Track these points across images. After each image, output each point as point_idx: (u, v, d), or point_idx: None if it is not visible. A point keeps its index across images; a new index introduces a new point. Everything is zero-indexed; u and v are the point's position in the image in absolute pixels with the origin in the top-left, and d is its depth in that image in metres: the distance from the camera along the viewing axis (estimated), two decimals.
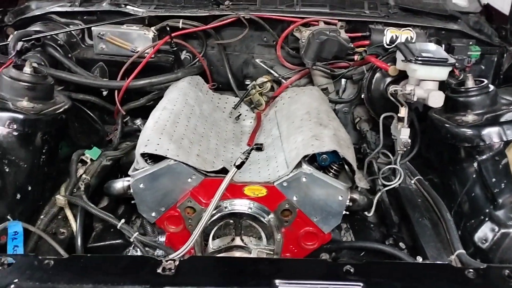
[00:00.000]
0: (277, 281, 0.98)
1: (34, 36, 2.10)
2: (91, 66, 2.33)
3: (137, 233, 1.70)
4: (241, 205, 1.68)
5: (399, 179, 1.98)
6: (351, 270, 1.03)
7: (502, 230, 1.55)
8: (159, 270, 1.03)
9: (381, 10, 2.46)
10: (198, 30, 2.32)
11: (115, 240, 1.84)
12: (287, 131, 1.95)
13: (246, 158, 1.62)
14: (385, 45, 2.28)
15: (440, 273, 1.10)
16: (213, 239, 1.72)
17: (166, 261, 1.07)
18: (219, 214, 1.67)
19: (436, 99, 1.78)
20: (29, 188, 1.66)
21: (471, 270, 1.05)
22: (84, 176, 1.95)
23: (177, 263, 1.06)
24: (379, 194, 1.98)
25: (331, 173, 1.72)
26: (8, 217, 1.55)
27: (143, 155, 1.66)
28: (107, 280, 1.00)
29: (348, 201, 1.69)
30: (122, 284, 0.98)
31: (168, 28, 2.24)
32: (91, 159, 2.05)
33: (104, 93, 2.29)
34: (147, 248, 1.74)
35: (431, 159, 2.05)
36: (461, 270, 1.06)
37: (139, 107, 2.37)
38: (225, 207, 1.68)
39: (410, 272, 1.11)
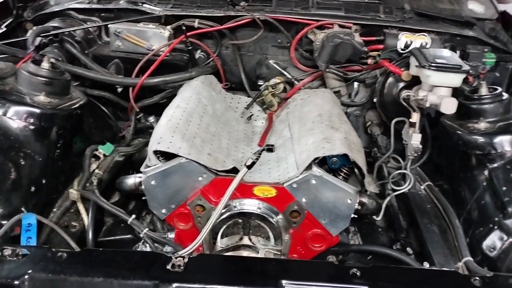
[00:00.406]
0: (283, 282, 1.00)
1: (52, 32, 2.14)
2: (107, 63, 2.36)
3: (146, 229, 1.73)
4: (250, 205, 1.70)
5: (408, 184, 1.98)
6: (358, 274, 1.04)
7: (511, 239, 1.55)
8: (169, 267, 1.05)
9: (396, 14, 2.45)
10: (213, 30, 2.34)
11: (125, 235, 1.87)
12: (298, 132, 1.96)
13: (257, 159, 1.64)
14: (399, 49, 2.28)
15: (446, 280, 1.10)
16: (222, 237, 1.74)
17: (176, 257, 1.09)
18: (228, 213, 1.69)
19: (449, 106, 1.78)
20: (43, 181, 1.70)
21: (477, 278, 1.05)
22: (97, 171, 1.98)
23: (186, 260, 1.08)
24: (388, 198, 1.99)
25: (341, 176, 1.73)
26: (22, 209, 1.58)
27: (155, 152, 1.69)
28: (117, 274, 1.02)
29: (357, 204, 1.70)
30: (132, 278, 1.01)
31: (184, 27, 2.26)
32: (104, 155, 2.09)
33: (119, 89, 2.32)
34: (156, 244, 1.77)
35: (441, 165, 2.05)
36: (468, 277, 1.07)
37: (153, 104, 2.40)
38: (234, 206, 1.70)
39: (416, 277, 1.11)
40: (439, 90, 1.85)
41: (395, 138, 2.14)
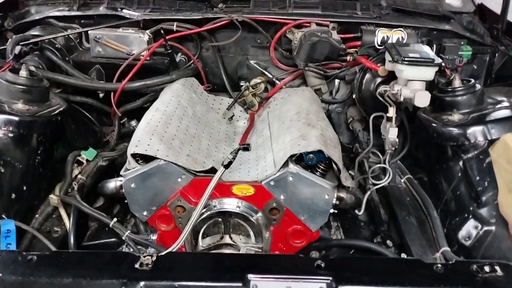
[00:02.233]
0: (250, 276, 1.02)
1: (31, 40, 2.16)
2: (88, 69, 2.39)
3: (128, 231, 1.75)
4: (229, 204, 1.72)
5: (388, 178, 2.01)
6: (322, 265, 1.06)
7: (485, 228, 1.58)
8: (137, 265, 1.07)
9: (373, 11, 2.48)
10: (192, 32, 2.37)
11: (109, 239, 1.89)
12: (277, 131, 1.98)
13: (234, 158, 1.66)
14: (376, 45, 2.31)
15: (410, 268, 1.13)
16: (203, 237, 1.77)
17: (144, 256, 1.11)
18: (208, 213, 1.71)
19: (422, 99, 1.81)
20: (24, 188, 1.71)
21: (439, 265, 1.08)
22: (79, 176, 2.00)
23: (154, 258, 1.11)
24: (368, 193, 2.02)
25: (318, 172, 1.75)
26: (3, 216, 1.60)
27: (134, 155, 1.71)
28: (86, 275, 1.04)
29: (335, 199, 1.72)
30: (100, 278, 1.03)
31: (162, 31, 2.29)
32: (87, 160, 2.11)
33: (101, 95, 2.35)
34: (139, 246, 1.79)
35: (420, 158, 2.07)
36: (430, 265, 1.09)
37: (136, 108, 2.42)
38: (214, 206, 1.72)
39: (380, 267, 1.14)
40: (413, 84, 1.87)
41: (375, 133, 2.17)
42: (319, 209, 1.72)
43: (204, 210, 1.70)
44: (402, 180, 2.11)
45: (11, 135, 1.71)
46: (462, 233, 1.63)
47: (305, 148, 1.68)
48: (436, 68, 1.85)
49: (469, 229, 1.61)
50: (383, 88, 2.00)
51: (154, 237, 1.82)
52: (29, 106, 1.79)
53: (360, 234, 1.99)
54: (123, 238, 1.74)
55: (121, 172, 1.75)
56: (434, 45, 2.33)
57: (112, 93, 2.30)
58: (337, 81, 2.50)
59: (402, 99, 1.89)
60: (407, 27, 2.34)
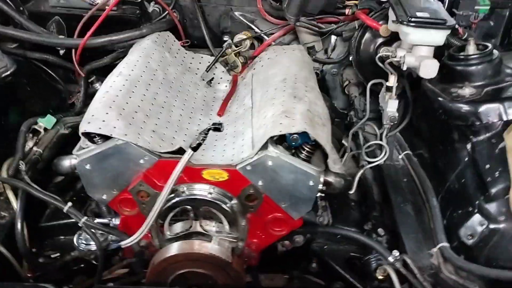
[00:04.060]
0: None
1: None
2: (47, 21, 2.07)
3: (85, 218, 1.55)
4: (200, 190, 1.51)
5: (383, 156, 1.78)
6: None
7: (492, 226, 1.36)
8: None
9: None
10: None
11: (69, 219, 1.69)
12: (259, 101, 1.72)
13: (203, 139, 1.42)
14: None
15: None
16: (170, 225, 1.56)
17: None
18: (175, 200, 1.50)
19: (429, 69, 1.52)
20: None
21: None
22: (35, 148, 1.78)
23: None
24: (360, 171, 1.80)
25: (303, 155, 1.51)
26: None
27: (88, 133, 1.47)
28: None
29: (321, 185, 1.49)
30: None
31: None
32: (45, 128, 1.86)
33: (61, 52, 2.05)
34: (100, 233, 1.60)
35: (422, 131, 1.82)
36: None
37: (104, 66, 2.14)
38: (182, 192, 1.51)
39: None
40: (419, 49, 1.59)
41: (373, 101, 1.91)
42: (303, 196, 1.50)
43: (171, 195, 1.49)
44: (400, 157, 1.88)
45: None
46: (464, 229, 1.41)
47: (287, 129, 1.43)
48: (448, 32, 1.55)
49: (473, 226, 1.40)
50: (384, 52, 1.71)
51: (116, 221, 1.62)
52: None
53: (350, 216, 1.81)
54: (79, 224, 1.55)
55: (74, 151, 1.51)
56: None
57: (73, 50, 2.01)
58: (333, 37, 2.20)
59: (405, 68, 1.61)
60: None
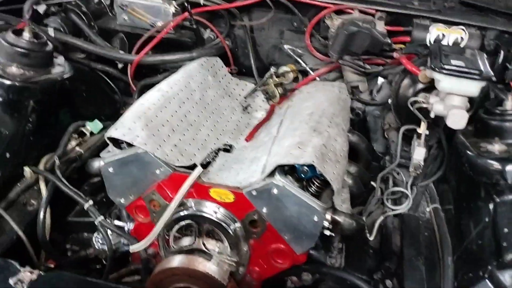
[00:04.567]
0: None
1: (51, 2, 2.09)
2: (113, 37, 2.29)
3: (101, 217, 1.65)
4: (206, 208, 1.54)
5: (406, 205, 1.70)
6: None
7: None
8: (11, 281, 0.94)
9: (434, 2, 2.09)
10: (219, 8, 2.17)
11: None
12: (284, 131, 1.74)
13: (213, 159, 1.47)
14: (428, 44, 1.94)
15: None
16: (176, 238, 1.61)
17: (24, 272, 0.98)
18: (182, 213, 1.55)
19: (456, 119, 1.46)
20: (7, 155, 1.66)
21: None
22: (77, 148, 1.94)
23: (34, 277, 0.96)
24: (381, 218, 1.73)
25: (312, 189, 1.50)
26: None
27: (114, 139, 1.58)
28: None
29: (326, 223, 1.46)
30: None
31: (186, 4, 2.11)
32: (91, 133, 2.03)
33: (120, 65, 2.25)
34: (115, 235, 1.70)
35: (451, 185, 1.72)
36: None
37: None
38: (190, 206, 1.55)
39: None
40: (451, 98, 1.53)
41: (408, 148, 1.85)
42: (306, 231, 1.48)
43: (179, 208, 1.54)
44: (428, 210, 1.78)
45: (0, 99, 1.66)
46: None
47: (296, 160, 1.43)
48: (483, 83, 1.48)
49: None
50: (417, 98, 1.67)
51: (130, 226, 1.71)
52: (24, 71, 1.72)
53: (364, 264, 1.72)
54: (95, 223, 1.65)
55: (101, 154, 1.63)
56: (502, 52, 1.90)
57: (129, 65, 2.19)
58: (381, 80, 2.16)
59: (433, 115, 1.55)
60: (471, 26, 1.94)
